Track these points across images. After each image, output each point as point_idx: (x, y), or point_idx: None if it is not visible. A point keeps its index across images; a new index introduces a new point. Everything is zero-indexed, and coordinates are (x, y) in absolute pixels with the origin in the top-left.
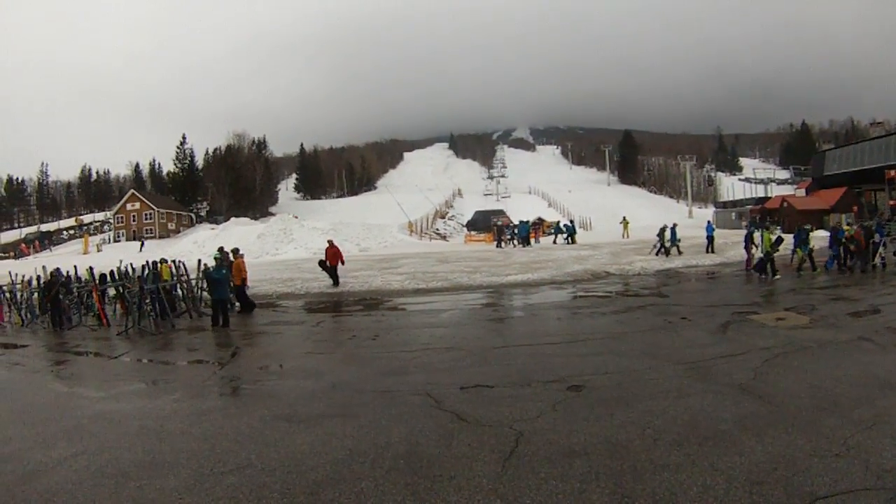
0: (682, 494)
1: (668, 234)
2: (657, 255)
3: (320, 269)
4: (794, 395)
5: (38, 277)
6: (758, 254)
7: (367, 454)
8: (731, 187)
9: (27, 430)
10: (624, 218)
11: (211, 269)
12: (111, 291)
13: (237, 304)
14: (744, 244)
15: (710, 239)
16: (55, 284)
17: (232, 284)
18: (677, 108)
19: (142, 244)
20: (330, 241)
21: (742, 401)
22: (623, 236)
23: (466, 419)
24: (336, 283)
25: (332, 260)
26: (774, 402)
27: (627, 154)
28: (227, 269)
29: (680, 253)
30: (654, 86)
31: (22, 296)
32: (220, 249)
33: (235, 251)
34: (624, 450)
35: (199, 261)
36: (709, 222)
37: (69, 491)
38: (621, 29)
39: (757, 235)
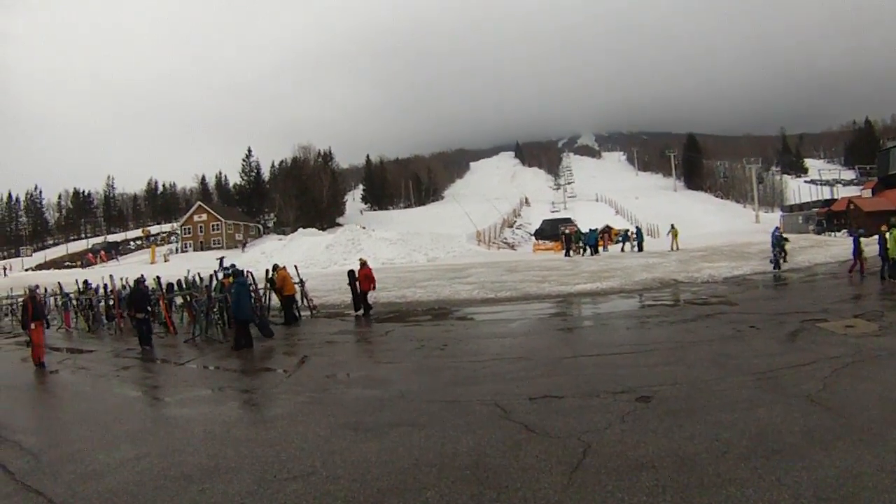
0: None
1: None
2: (775, 268)
3: (348, 285)
4: (862, 406)
5: (105, 286)
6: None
7: (434, 464)
8: (797, 190)
9: (91, 432)
10: (672, 226)
11: (213, 287)
12: (178, 300)
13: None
14: (853, 249)
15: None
16: (142, 295)
17: (282, 296)
18: (740, 109)
19: (221, 260)
20: (363, 261)
21: (810, 412)
22: (672, 247)
23: (534, 430)
24: (366, 311)
25: (364, 284)
26: (843, 413)
27: (692, 158)
28: (236, 287)
29: (785, 261)
30: (716, 86)
31: (88, 302)
32: (232, 266)
33: (275, 267)
34: (691, 463)
35: (267, 271)
36: (776, 228)
37: (130, 492)
38: (680, 29)
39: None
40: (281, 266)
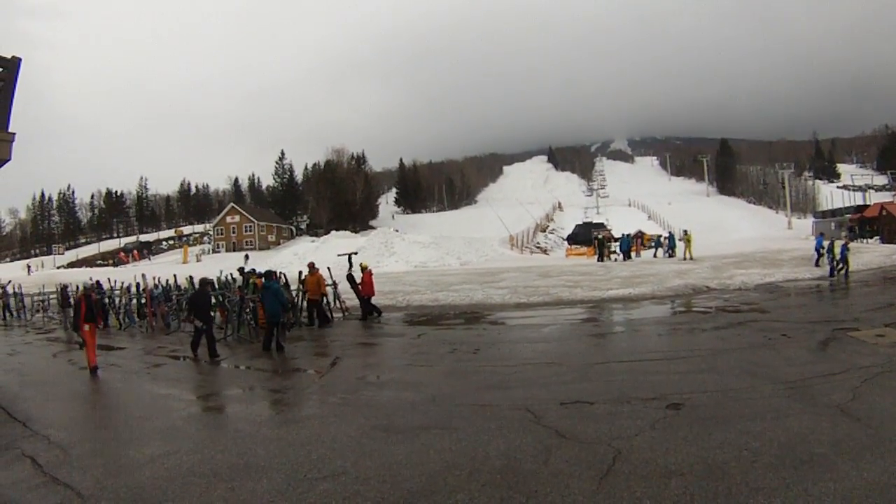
0: None
1: (838, 249)
2: (832, 275)
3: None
4: (892, 417)
5: (137, 285)
6: None
7: (464, 467)
8: (829, 196)
9: (120, 428)
10: (685, 233)
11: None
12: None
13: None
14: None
15: (821, 253)
16: (206, 299)
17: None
18: (772, 114)
19: (246, 257)
20: (364, 266)
21: (839, 423)
22: (685, 256)
23: (565, 435)
24: (373, 313)
25: (367, 289)
26: (872, 424)
27: (725, 164)
28: (266, 289)
29: (847, 276)
30: (748, 91)
31: (120, 301)
32: (252, 269)
33: (311, 267)
34: (720, 471)
35: (300, 273)
36: (821, 234)
37: (159, 487)
38: (712, 34)
39: None
40: (316, 268)
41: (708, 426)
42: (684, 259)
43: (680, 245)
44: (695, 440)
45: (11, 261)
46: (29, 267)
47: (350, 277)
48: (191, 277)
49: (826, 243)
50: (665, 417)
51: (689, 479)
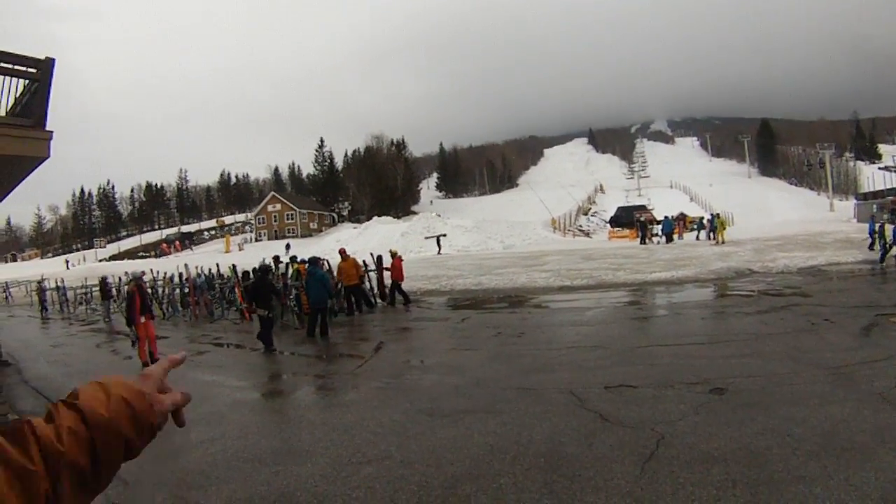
0: None
1: (889, 232)
2: (882, 260)
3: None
4: None
5: (181, 274)
6: None
7: (508, 451)
8: (871, 177)
9: None
10: (717, 216)
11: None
12: None
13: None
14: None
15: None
16: (267, 287)
17: (341, 286)
18: (812, 92)
19: (288, 246)
20: (393, 252)
21: (881, 410)
22: (717, 240)
23: (609, 419)
24: (406, 301)
25: (396, 274)
26: None
27: (766, 144)
28: (310, 276)
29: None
30: (788, 69)
31: (164, 291)
32: (276, 258)
33: (343, 252)
34: (762, 458)
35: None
36: (872, 218)
37: (203, 472)
38: (751, 10)
39: None
40: (348, 254)
41: (751, 411)
42: (715, 243)
43: (708, 231)
44: (737, 426)
45: (54, 256)
46: (68, 262)
47: (378, 261)
48: (234, 266)
49: (878, 226)
50: (708, 402)
51: (731, 466)
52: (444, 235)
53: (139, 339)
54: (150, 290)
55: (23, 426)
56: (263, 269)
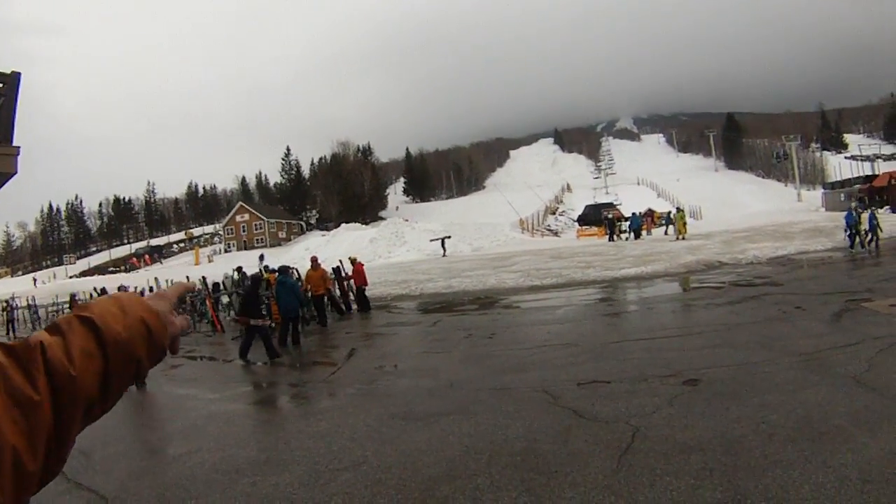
0: (795, 492)
1: (865, 221)
2: (851, 247)
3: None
4: None
5: (151, 289)
6: None
7: (484, 451)
8: (837, 166)
9: (142, 431)
10: (678, 210)
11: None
12: (224, 299)
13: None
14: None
15: (852, 231)
16: (257, 284)
17: (311, 295)
18: (777, 85)
19: (261, 256)
20: (353, 259)
21: (855, 394)
22: (676, 236)
23: (583, 415)
24: (366, 308)
25: (359, 279)
26: (888, 395)
27: (732, 138)
28: (280, 285)
29: (878, 246)
30: (752, 63)
31: None
32: (239, 268)
33: (314, 261)
34: (738, 445)
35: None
36: (849, 210)
37: (182, 486)
38: (713, 6)
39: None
40: (319, 263)
41: (725, 401)
42: (676, 239)
43: (672, 225)
44: (712, 415)
45: (24, 274)
46: (35, 280)
47: (336, 270)
48: (203, 278)
49: (855, 216)
50: (682, 394)
51: (708, 454)
52: (449, 237)
53: None
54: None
55: (33, 348)
56: (255, 279)
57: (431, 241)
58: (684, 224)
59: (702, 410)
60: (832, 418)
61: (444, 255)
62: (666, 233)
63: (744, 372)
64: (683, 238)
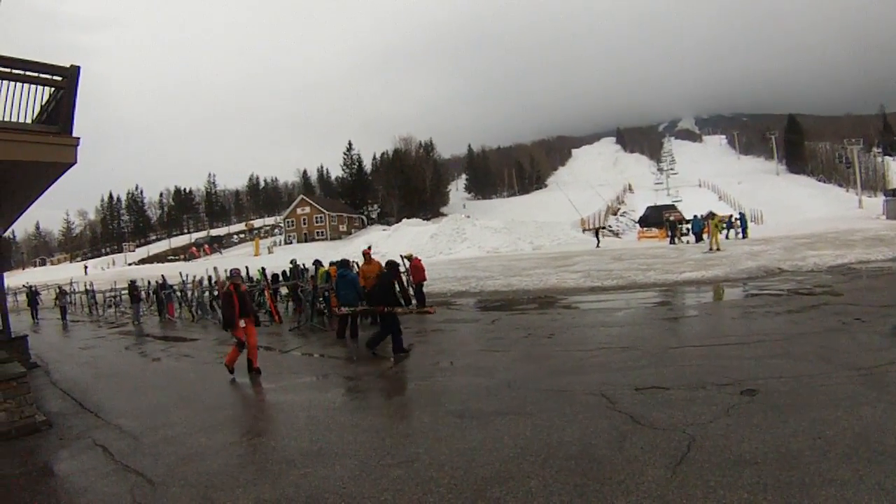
0: None
1: None
2: None
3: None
4: None
5: (210, 277)
6: None
7: (539, 453)
8: None
9: (193, 416)
10: (713, 215)
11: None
12: (283, 290)
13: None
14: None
15: None
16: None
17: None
18: (837, 87)
19: (235, 271)
20: (409, 256)
21: None
22: (711, 246)
23: (640, 421)
24: (422, 304)
25: (417, 275)
26: None
27: (793, 140)
28: (339, 278)
29: None
30: (813, 63)
31: (193, 294)
32: (293, 261)
33: (366, 254)
34: (794, 460)
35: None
36: None
37: (231, 474)
38: (776, 6)
39: None
40: (372, 256)
41: (782, 413)
42: (710, 250)
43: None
44: (769, 428)
45: (82, 260)
46: (86, 267)
47: (390, 265)
48: (263, 269)
49: None
50: (739, 404)
51: (762, 469)
52: (604, 228)
53: (240, 343)
54: (179, 293)
55: None
56: (393, 266)
57: (585, 231)
58: (721, 232)
59: (758, 422)
60: (889, 437)
61: (597, 246)
62: (727, 237)
63: (802, 384)
64: (719, 249)
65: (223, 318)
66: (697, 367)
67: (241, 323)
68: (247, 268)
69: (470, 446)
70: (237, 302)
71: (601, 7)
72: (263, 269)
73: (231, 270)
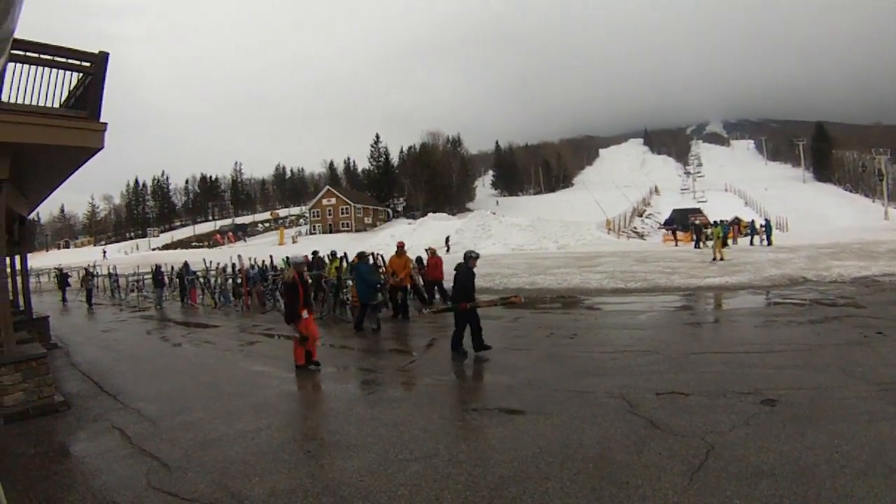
0: None
1: None
2: None
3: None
4: None
5: (234, 265)
6: None
7: (557, 454)
8: None
9: (213, 403)
10: (716, 224)
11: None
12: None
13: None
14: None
15: None
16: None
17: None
18: (867, 95)
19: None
20: (432, 251)
21: None
22: (714, 256)
23: (659, 426)
24: (432, 301)
25: (432, 272)
26: None
27: (821, 148)
28: (358, 270)
29: None
30: (842, 71)
31: (216, 281)
32: (315, 253)
33: (400, 246)
34: (810, 474)
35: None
36: None
37: (247, 462)
38: (805, 11)
39: None
40: (404, 250)
41: (801, 425)
42: (713, 260)
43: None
44: (787, 439)
45: (106, 244)
46: (105, 252)
47: (420, 260)
48: (287, 258)
49: None
50: (759, 413)
51: (779, 481)
52: (698, 226)
53: (303, 337)
54: (202, 280)
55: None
56: (466, 257)
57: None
58: (722, 242)
59: (777, 433)
60: None
61: (696, 248)
62: (751, 243)
63: (821, 396)
64: (722, 259)
65: (286, 311)
66: (718, 375)
67: (304, 314)
68: (271, 257)
69: (489, 444)
70: (301, 292)
71: (632, 7)
72: (288, 258)
73: (295, 257)
